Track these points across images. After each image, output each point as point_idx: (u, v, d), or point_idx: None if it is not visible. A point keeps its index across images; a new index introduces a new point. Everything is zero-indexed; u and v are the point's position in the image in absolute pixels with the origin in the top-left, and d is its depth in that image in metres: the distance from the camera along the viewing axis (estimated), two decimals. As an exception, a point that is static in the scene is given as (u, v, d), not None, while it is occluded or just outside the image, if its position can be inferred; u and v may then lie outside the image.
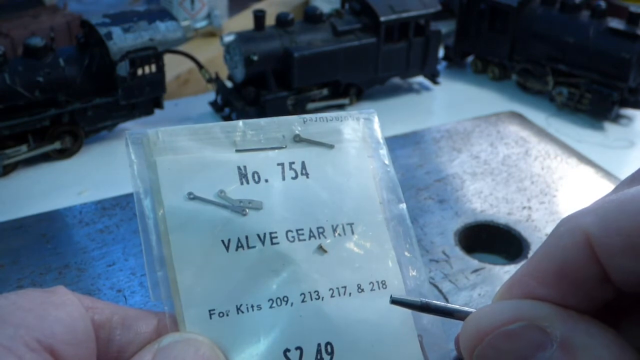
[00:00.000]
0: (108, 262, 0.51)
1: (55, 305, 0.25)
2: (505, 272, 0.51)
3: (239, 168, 0.31)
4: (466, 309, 0.30)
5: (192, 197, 0.30)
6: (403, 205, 0.32)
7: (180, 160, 0.30)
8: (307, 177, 0.32)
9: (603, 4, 0.84)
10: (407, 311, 0.30)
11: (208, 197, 0.30)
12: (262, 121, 0.32)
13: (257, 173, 0.31)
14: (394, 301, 0.29)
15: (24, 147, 0.69)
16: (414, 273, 0.32)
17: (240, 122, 0.32)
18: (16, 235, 0.53)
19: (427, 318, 0.31)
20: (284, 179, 0.31)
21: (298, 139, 0.32)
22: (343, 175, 0.32)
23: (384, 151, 0.33)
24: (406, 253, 0.32)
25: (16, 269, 0.49)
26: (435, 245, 0.54)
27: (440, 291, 0.49)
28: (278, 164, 0.32)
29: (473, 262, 0.52)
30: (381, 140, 0.34)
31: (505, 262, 0.55)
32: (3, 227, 0.54)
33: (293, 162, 0.32)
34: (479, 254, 0.55)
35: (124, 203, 0.57)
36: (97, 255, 0.51)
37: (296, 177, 0.32)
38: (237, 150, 0.31)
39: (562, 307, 0.27)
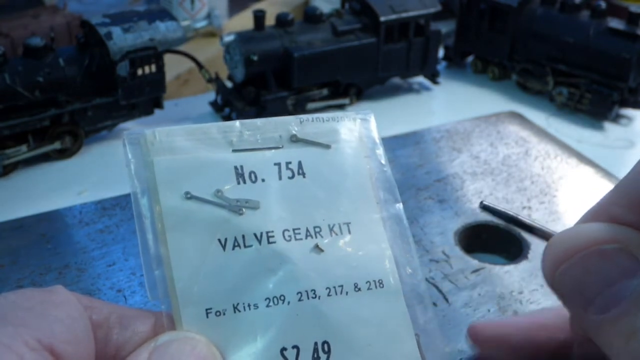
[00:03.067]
0: (108, 262, 0.51)
1: (54, 305, 0.25)
2: (505, 272, 0.51)
3: (235, 168, 0.31)
4: (550, 229, 0.30)
5: (189, 196, 0.30)
6: (400, 205, 0.33)
7: (177, 160, 0.30)
8: (304, 177, 0.32)
9: (603, 4, 0.84)
10: (404, 310, 0.30)
11: (205, 197, 0.30)
12: (259, 121, 0.32)
13: (253, 173, 0.31)
14: (484, 207, 0.31)
15: (24, 147, 0.69)
16: (411, 272, 0.32)
17: (237, 123, 0.32)
18: (16, 235, 0.53)
19: (424, 318, 0.31)
20: (280, 178, 0.31)
21: (295, 139, 0.32)
22: (340, 175, 0.32)
23: (380, 151, 0.33)
24: (403, 252, 0.32)
25: (16, 269, 0.49)
26: (435, 245, 0.54)
27: (440, 291, 0.49)
28: (275, 164, 0.32)
29: (473, 262, 0.52)
30: (378, 141, 0.34)
31: (505, 262, 0.55)
32: (3, 227, 0.54)
33: (290, 162, 0.32)
34: (479, 254, 0.55)
35: (124, 203, 0.57)
36: (97, 255, 0.51)
37: (293, 176, 0.32)
38: (234, 150, 0.31)
39: None
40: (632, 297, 0.25)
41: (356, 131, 0.33)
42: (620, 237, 0.27)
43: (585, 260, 0.27)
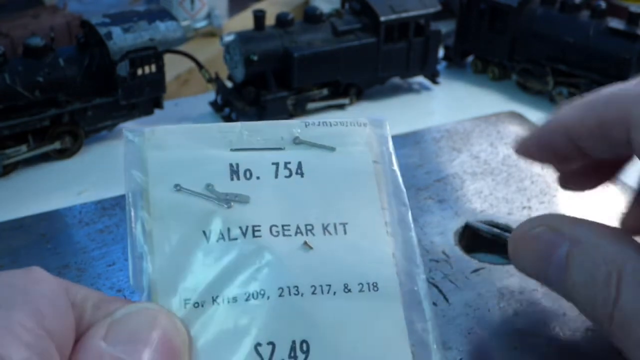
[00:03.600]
0: (108, 262, 0.51)
1: (36, 281, 0.25)
2: (506, 271, 0.51)
3: (231, 165, 0.31)
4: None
5: (178, 189, 0.30)
6: (407, 211, 0.32)
7: (172, 155, 0.30)
8: (302, 177, 0.31)
9: (603, 4, 0.84)
10: (401, 318, 0.29)
11: (194, 189, 0.30)
12: (262, 124, 0.32)
13: (249, 170, 0.31)
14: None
15: (24, 147, 0.69)
16: (414, 280, 0.30)
17: (239, 124, 0.32)
18: (16, 235, 0.53)
19: (422, 326, 0.29)
20: (276, 177, 0.31)
21: (298, 141, 0.32)
22: (342, 177, 0.32)
23: (392, 157, 0.33)
24: (406, 259, 0.31)
25: (16, 269, 0.49)
26: (435, 245, 0.54)
27: (440, 291, 0.49)
28: (273, 163, 0.31)
29: (473, 262, 0.52)
30: (390, 146, 0.33)
31: (505, 262, 0.55)
32: (3, 227, 0.54)
33: (289, 162, 0.31)
34: (478, 253, 0.55)
35: (123, 203, 0.57)
36: (97, 255, 0.51)
37: (290, 175, 0.31)
38: (232, 150, 0.31)
39: (571, 217, 0.34)
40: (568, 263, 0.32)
41: (365, 136, 0.33)
42: (546, 220, 0.34)
43: (523, 245, 0.35)
